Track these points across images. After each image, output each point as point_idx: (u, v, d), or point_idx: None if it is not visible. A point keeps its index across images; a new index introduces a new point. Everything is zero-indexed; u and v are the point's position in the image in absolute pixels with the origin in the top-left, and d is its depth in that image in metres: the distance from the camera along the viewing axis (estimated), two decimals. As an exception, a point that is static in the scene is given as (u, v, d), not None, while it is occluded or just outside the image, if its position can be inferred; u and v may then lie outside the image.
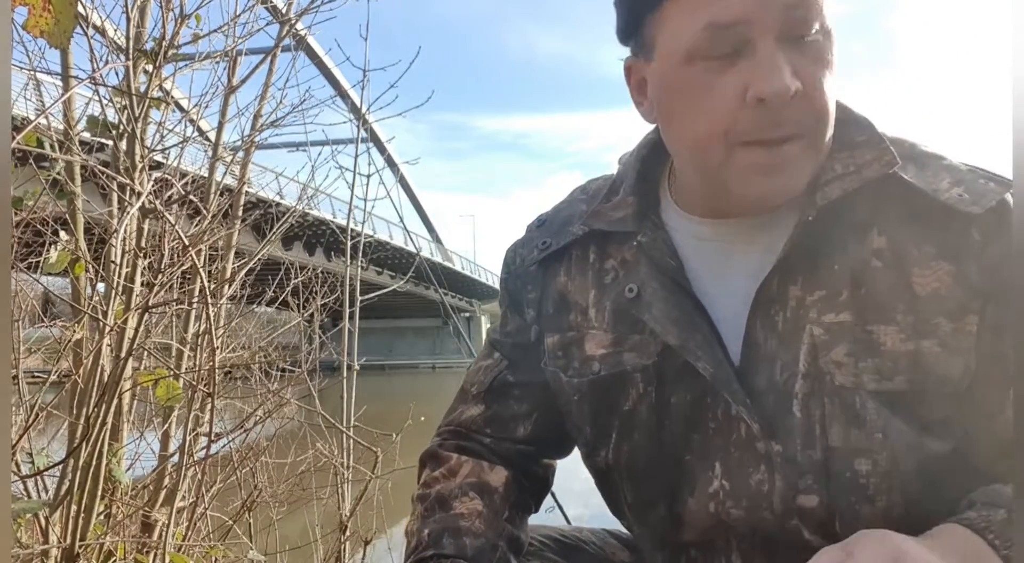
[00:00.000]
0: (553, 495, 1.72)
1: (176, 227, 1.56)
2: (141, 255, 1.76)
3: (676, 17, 0.64)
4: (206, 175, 2.15)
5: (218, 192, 2.12)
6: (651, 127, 0.78)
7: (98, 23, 1.91)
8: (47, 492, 1.80)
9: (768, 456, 0.66)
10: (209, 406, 1.67)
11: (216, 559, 2.08)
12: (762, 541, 0.68)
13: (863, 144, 0.67)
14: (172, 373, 1.84)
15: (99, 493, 1.60)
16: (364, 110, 2.78)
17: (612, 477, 0.76)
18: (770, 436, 0.65)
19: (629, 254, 0.76)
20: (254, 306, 3.43)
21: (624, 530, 0.88)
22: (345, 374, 2.68)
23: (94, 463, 1.55)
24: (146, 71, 1.83)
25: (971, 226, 0.62)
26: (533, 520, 0.85)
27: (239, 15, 2.05)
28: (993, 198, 0.62)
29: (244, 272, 2.30)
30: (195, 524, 2.01)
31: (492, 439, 0.82)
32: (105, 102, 1.83)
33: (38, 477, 1.72)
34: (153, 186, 1.68)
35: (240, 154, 2.38)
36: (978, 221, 0.62)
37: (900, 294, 0.64)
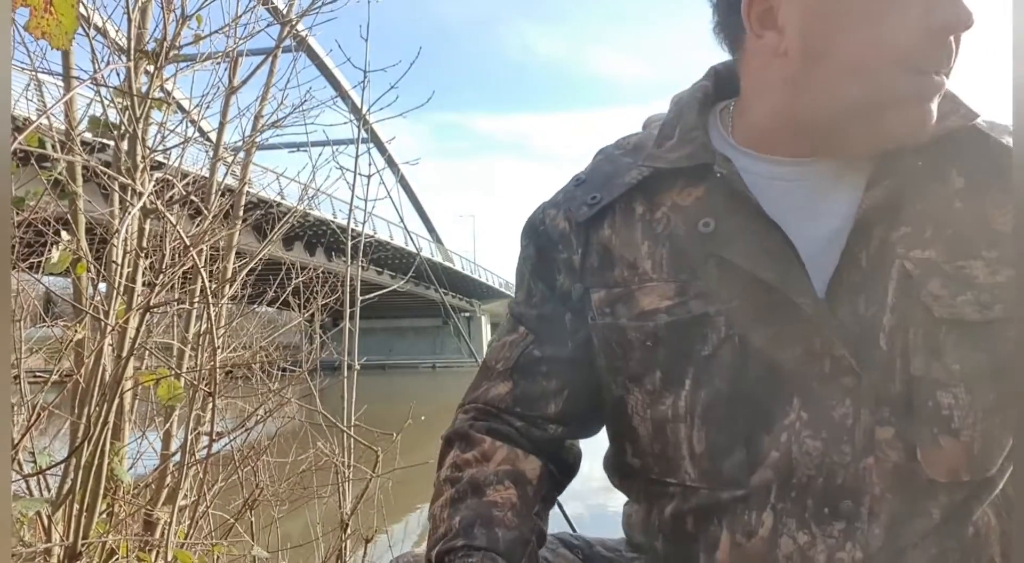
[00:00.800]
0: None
1: (177, 227, 1.57)
2: (142, 255, 1.77)
3: None
4: (207, 175, 2.16)
5: (219, 192, 2.13)
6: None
7: (99, 24, 1.91)
8: (49, 491, 1.80)
9: (854, 390, 0.65)
10: (210, 405, 1.67)
11: (218, 557, 2.09)
12: (811, 493, 0.66)
13: (944, 97, 0.68)
14: (173, 373, 1.85)
15: (101, 492, 1.60)
16: (365, 111, 2.78)
17: (675, 427, 0.72)
18: (860, 369, 0.65)
19: (684, 198, 0.73)
20: (255, 306, 3.44)
21: (575, 536, 0.85)
22: (346, 374, 2.68)
23: (96, 462, 1.56)
24: (147, 72, 1.83)
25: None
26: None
27: (240, 16, 2.06)
28: None
29: (245, 272, 2.31)
30: (197, 523, 2.01)
31: (523, 422, 0.79)
32: (107, 103, 1.84)
33: (40, 476, 1.72)
34: (154, 186, 1.69)
35: (241, 154, 2.39)
36: None
37: (982, 231, 0.66)
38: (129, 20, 1.81)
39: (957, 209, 0.67)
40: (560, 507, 1.94)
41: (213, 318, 1.63)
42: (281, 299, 3.12)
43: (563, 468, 0.82)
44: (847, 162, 0.70)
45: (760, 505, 0.68)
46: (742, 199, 0.70)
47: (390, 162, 3.61)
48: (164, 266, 1.67)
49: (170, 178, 1.79)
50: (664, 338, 0.72)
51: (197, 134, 2.17)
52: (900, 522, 0.65)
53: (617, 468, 0.82)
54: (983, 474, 0.66)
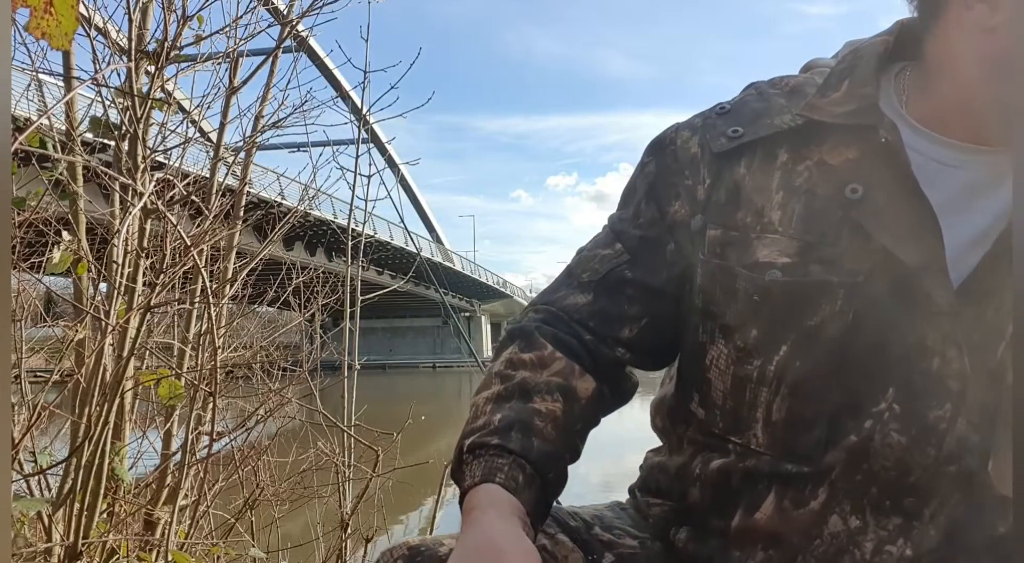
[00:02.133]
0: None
1: (178, 227, 1.57)
2: (143, 255, 1.77)
3: None
4: (208, 176, 2.16)
5: (220, 193, 2.13)
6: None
7: (100, 24, 1.92)
8: (50, 491, 1.81)
9: (959, 396, 0.62)
10: (211, 405, 1.68)
11: (218, 557, 2.09)
12: (878, 483, 0.65)
13: None
14: (174, 372, 1.85)
15: (102, 491, 1.61)
16: (365, 111, 2.79)
17: (756, 390, 0.69)
18: (968, 376, 0.62)
19: (834, 156, 0.68)
20: (256, 306, 3.45)
21: (572, 512, 0.81)
22: (346, 373, 2.69)
23: (97, 462, 1.56)
24: (148, 72, 1.84)
25: None
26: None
27: (241, 17, 2.06)
28: None
29: (246, 272, 2.31)
30: (197, 522, 2.02)
31: (593, 337, 0.75)
32: (107, 103, 1.85)
33: (41, 476, 1.73)
34: (155, 187, 1.69)
35: (241, 155, 2.39)
36: None
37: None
38: (130, 20, 1.82)
39: None
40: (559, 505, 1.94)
41: (214, 318, 1.63)
42: (281, 299, 3.12)
43: (617, 393, 0.78)
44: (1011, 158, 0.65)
45: (820, 480, 0.66)
46: (901, 172, 0.65)
47: (390, 162, 3.62)
48: (165, 266, 1.67)
49: (171, 178, 1.79)
50: (776, 296, 0.67)
51: (198, 134, 2.17)
52: (961, 530, 0.63)
53: (673, 412, 0.79)
54: None
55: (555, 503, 0.72)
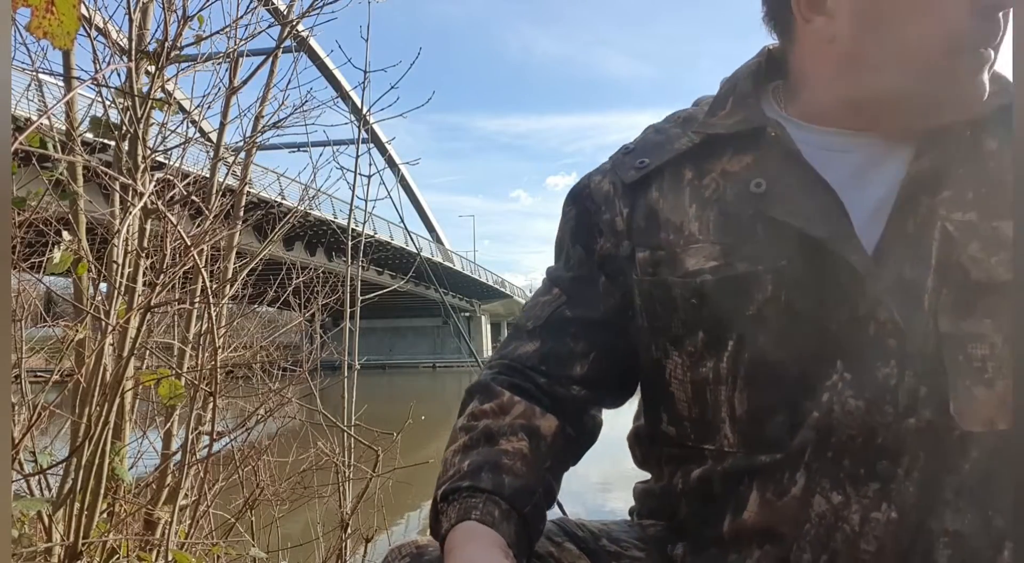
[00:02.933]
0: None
1: (178, 227, 1.57)
2: (143, 255, 1.77)
3: None
4: (208, 176, 2.17)
5: (220, 193, 2.13)
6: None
7: (101, 24, 1.92)
8: (50, 490, 1.81)
9: (899, 351, 0.66)
10: (211, 405, 1.68)
11: (218, 557, 2.09)
12: (848, 453, 0.67)
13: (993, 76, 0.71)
14: (174, 372, 1.85)
15: (102, 491, 1.61)
16: (365, 111, 2.79)
17: (716, 390, 0.72)
18: (903, 331, 0.66)
19: (734, 165, 0.75)
20: (256, 306, 3.45)
21: (580, 523, 0.83)
22: (346, 373, 2.69)
23: (97, 461, 1.57)
24: (148, 72, 1.84)
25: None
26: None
27: (241, 17, 2.06)
28: None
29: (246, 272, 2.31)
30: (197, 522, 2.02)
31: (547, 379, 0.79)
32: (108, 103, 1.85)
33: (41, 476, 1.73)
34: (155, 187, 1.69)
35: (242, 155, 2.39)
36: None
37: (1005, 192, 0.68)
38: (130, 21, 1.82)
39: (991, 169, 0.69)
40: (559, 506, 1.95)
41: (214, 318, 1.63)
42: (281, 299, 3.12)
43: (582, 432, 0.81)
44: (903, 133, 0.71)
45: (795, 465, 0.68)
46: (795, 161, 0.71)
47: (390, 162, 3.62)
48: (165, 266, 1.67)
49: (171, 178, 1.79)
50: (710, 295, 0.72)
51: (198, 134, 2.17)
52: (932, 479, 0.66)
53: (648, 439, 0.82)
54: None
55: (562, 514, 0.73)
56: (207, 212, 1.93)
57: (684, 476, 0.76)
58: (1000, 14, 0.65)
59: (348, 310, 2.77)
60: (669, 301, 0.74)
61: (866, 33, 0.69)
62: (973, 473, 0.66)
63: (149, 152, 1.81)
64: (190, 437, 1.79)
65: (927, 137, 0.69)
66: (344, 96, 3.21)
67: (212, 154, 2.21)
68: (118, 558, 1.71)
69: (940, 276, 0.66)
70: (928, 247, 0.67)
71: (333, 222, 14.59)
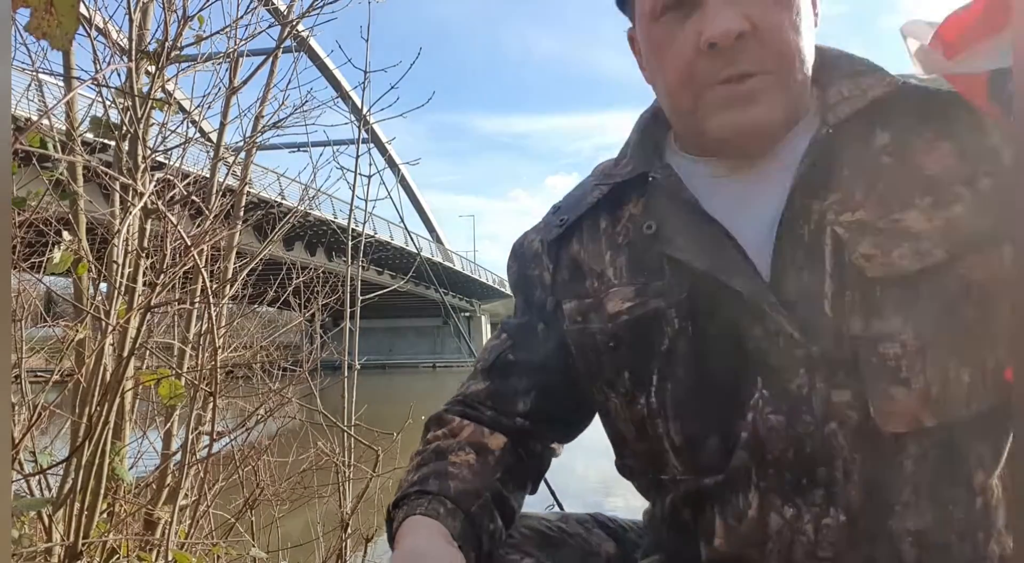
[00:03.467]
0: (553, 494, 1.73)
1: (178, 227, 1.58)
2: (143, 255, 1.77)
3: None
4: (208, 176, 2.17)
5: (220, 193, 2.13)
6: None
7: (101, 24, 1.92)
8: (50, 490, 1.81)
9: (807, 359, 0.67)
10: (211, 405, 1.68)
11: (218, 557, 2.09)
12: (786, 466, 0.68)
13: (865, 72, 0.74)
14: (174, 372, 1.85)
15: (102, 491, 1.61)
16: (365, 111, 2.79)
17: (654, 424, 0.75)
18: (807, 340, 0.67)
19: (638, 207, 0.80)
20: (256, 306, 3.45)
21: (611, 517, 0.89)
22: (346, 373, 2.69)
23: (97, 461, 1.57)
24: (148, 72, 1.84)
25: (961, 109, 0.69)
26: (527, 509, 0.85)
27: (241, 17, 2.07)
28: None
29: (246, 272, 2.32)
30: (197, 522, 2.02)
31: (493, 412, 0.85)
32: (108, 103, 1.85)
33: (41, 476, 1.73)
34: (155, 187, 1.70)
35: (242, 155, 2.40)
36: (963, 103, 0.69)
37: (914, 180, 0.69)
38: (130, 21, 1.82)
39: (886, 164, 0.70)
40: (560, 506, 1.95)
41: (214, 318, 1.63)
42: (282, 299, 3.12)
43: (532, 456, 0.86)
44: (784, 148, 0.74)
45: (744, 487, 0.70)
46: (678, 199, 0.76)
47: (390, 162, 3.62)
48: (165, 266, 1.67)
49: (171, 178, 1.79)
50: (624, 337, 0.77)
51: (198, 134, 2.17)
52: (874, 480, 0.66)
53: (622, 471, 0.86)
54: (951, 417, 0.66)
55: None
56: (207, 212, 1.93)
57: (661, 505, 0.80)
58: (725, 43, 0.68)
59: (348, 310, 2.77)
60: (593, 347, 0.80)
61: (651, 80, 0.80)
62: (922, 470, 0.66)
63: (149, 152, 1.81)
64: (190, 437, 1.79)
65: (810, 148, 0.71)
66: (344, 96, 3.21)
67: (212, 154, 2.21)
68: (118, 558, 1.71)
69: (837, 279, 0.68)
70: (821, 253, 0.69)
71: (333, 222, 14.59)
